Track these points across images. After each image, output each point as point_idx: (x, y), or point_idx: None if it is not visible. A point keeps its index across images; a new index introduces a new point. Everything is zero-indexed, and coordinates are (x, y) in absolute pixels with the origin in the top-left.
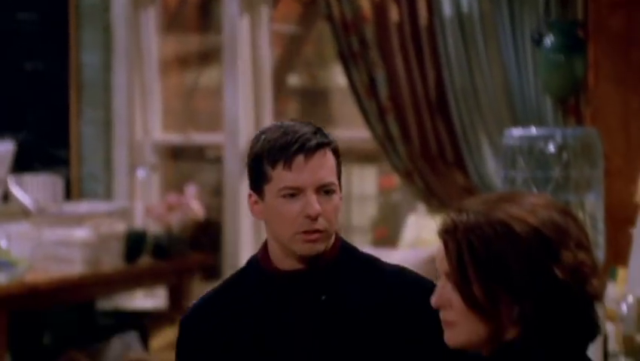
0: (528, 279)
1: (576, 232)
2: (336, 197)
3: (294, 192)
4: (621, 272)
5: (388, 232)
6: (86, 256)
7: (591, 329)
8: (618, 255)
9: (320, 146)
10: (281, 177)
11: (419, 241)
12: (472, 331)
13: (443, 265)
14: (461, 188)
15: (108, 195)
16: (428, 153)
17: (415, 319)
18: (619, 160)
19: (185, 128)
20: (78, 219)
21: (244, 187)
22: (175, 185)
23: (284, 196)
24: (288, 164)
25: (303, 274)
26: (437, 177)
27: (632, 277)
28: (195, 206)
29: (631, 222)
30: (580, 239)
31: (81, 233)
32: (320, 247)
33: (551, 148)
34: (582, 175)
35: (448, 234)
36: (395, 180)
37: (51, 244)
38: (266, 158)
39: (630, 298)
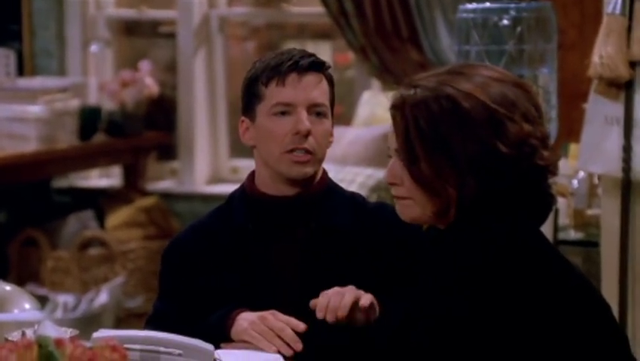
0: (472, 155)
1: (525, 103)
2: (327, 122)
3: (286, 109)
4: (573, 148)
5: (342, 109)
6: (41, 133)
7: (543, 203)
8: (571, 131)
9: (314, 65)
10: (274, 93)
11: (373, 118)
12: (421, 207)
13: (393, 141)
14: (415, 64)
15: (61, 71)
16: (383, 29)
17: (398, 246)
18: (573, 34)
19: (138, 3)
20: (32, 95)
21: (198, 63)
22: (128, 61)
23: (275, 114)
24: (282, 80)
25: (292, 199)
26: (392, 53)
27: (584, 152)
28: (149, 82)
29: (584, 96)
30: (529, 111)
31: (35, 109)
32: (308, 169)
33: (505, 22)
34: (536, 49)
35: (396, 109)
36: (350, 56)
37: (5, 120)
38: (260, 77)
39: (581, 174)
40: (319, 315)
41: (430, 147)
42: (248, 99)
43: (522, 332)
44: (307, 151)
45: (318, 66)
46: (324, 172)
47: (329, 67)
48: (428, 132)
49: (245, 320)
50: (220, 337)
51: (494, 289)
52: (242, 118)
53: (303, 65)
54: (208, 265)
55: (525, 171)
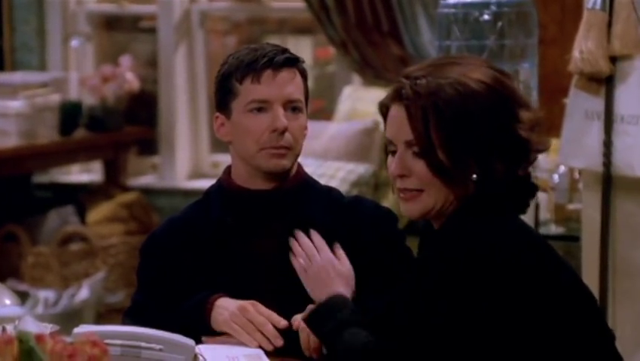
0: (495, 139)
1: (519, 90)
2: (302, 117)
3: (262, 106)
4: (554, 143)
5: (323, 104)
6: (21, 128)
7: (531, 192)
8: (551, 125)
9: (288, 61)
10: (249, 90)
11: (354, 113)
12: (433, 199)
13: (401, 134)
14: (396, 58)
15: (41, 66)
16: (364, 24)
17: (376, 241)
18: (554, 29)
19: None
20: (12, 90)
21: (179, 58)
22: (109, 56)
23: (251, 111)
24: (257, 77)
25: (268, 193)
26: (373, 48)
27: (564, 147)
28: (130, 77)
29: (564, 91)
30: (525, 97)
31: (16, 104)
32: (285, 163)
33: (486, 17)
34: (517, 44)
35: (410, 100)
36: (331, 51)
37: None
38: (235, 74)
39: (562, 169)
40: (306, 354)
41: (449, 133)
42: (223, 95)
43: (519, 326)
44: (285, 147)
45: (292, 62)
46: (300, 166)
47: (303, 62)
48: (448, 118)
49: (225, 309)
50: (199, 322)
51: (505, 280)
52: (217, 114)
53: (278, 61)
54: (187, 259)
55: (535, 156)
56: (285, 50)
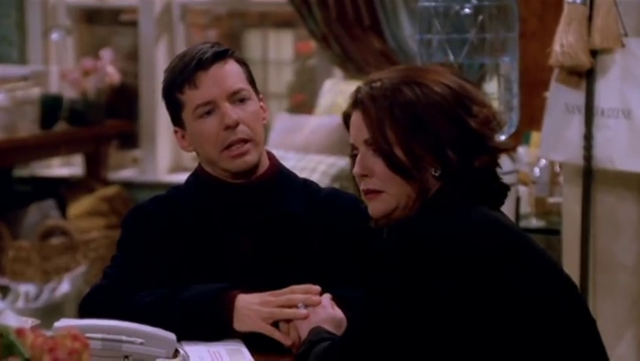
0: (448, 133)
1: (475, 91)
2: (252, 104)
3: (208, 109)
4: (535, 136)
5: (304, 97)
6: (2, 122)
7: (501, 189)
8: (532, 119)
9: (217, 56)
10: (190, 97)
11: (335, 106)
12: (398, 195)
13: (360, 134)
14: (377, 52)
15: (22, 59)
16: (345, 18)
17: (351, 234)
18: (534, 23)
19: None
20: None
21: (160, 52)
22: (90, 49)
23: (200, 116)
24: (193, 82)
25: (244, 186)
26: (354, 41)
27: (545, 140)
28: (110, 71)
29: (545, 85)
30: (481, 97)
31: None
32: (250, 158)
33: (467, 10)
34: (497, 38)
35: (365, 102)
36: (312, 45)
37: None
38: (173, 86)
39: (543, 162)
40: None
41: (405, 131)
42: (172, 110)
43: (475, 317)
44: (243, 140)
45: (221, 54)
46: (274, 158)
47: (233, 51)
48: (402, 117)
49: (248, 309)
50: (215, 321)
51: (453, 271)
52: (175, 129)
53: (207, 59)
54: (169, 238)
55: (490, 150)
56: (214, 45)
